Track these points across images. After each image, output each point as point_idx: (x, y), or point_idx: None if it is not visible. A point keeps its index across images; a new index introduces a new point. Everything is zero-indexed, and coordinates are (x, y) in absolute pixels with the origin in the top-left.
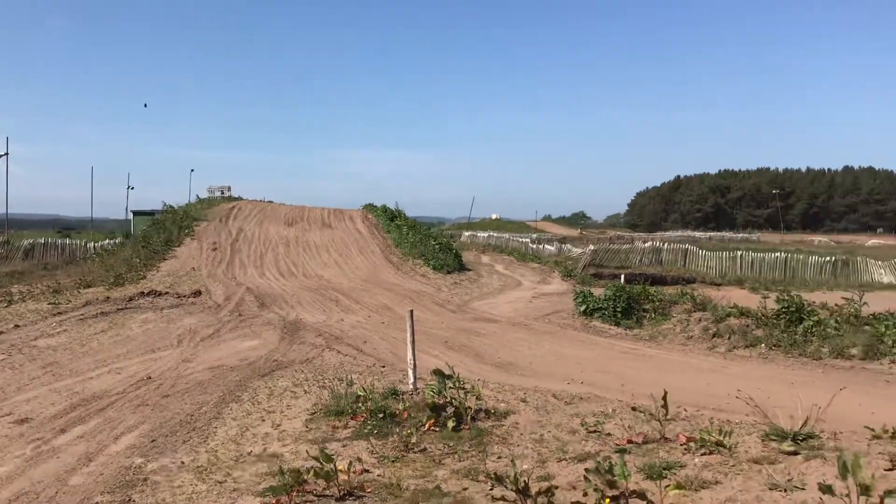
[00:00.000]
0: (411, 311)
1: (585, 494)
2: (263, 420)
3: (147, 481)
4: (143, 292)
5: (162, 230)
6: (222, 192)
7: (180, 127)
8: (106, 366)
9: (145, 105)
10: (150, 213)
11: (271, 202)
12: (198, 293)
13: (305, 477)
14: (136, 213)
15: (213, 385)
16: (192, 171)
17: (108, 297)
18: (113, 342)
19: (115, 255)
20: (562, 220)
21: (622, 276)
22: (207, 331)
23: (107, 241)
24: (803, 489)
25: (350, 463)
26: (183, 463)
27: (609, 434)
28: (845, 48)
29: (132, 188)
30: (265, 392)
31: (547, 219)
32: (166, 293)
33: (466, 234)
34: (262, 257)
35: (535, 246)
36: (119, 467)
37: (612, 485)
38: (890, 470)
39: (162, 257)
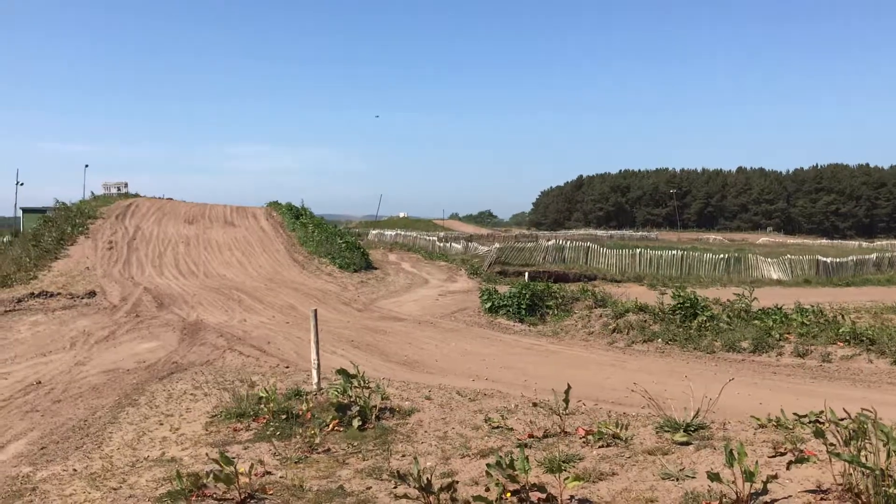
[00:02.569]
0: (315, 311)
1: (487, 489)
2: (161, 424)
3: (36, 490)
4: (33, 293)
5: (54, 228)
6: (119, 189)
7: (73, 121)
8: None
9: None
10: (42, 211)
11: (171, 199)
12: (92, 294)
13: (205, 481)
14: (25, 211)
15: (108, 389)
16: (87, 166)
17: None
18: None
19: (2, 254)
20: (469, 219)
21: (526, 274)
22: (102, 333)
23: None
24: (694, 478)
25: (251, 465)
26: (75, 470)
27: (511, 429)
28: (738, 55)
29: (21, 184)
30: (163, 395)
31: (454, 217)
32: (58, 294)
33: (373, 232)
34: (160, 256)
35: (442, 244)
36: (5, 477)
37: (513, 479)
38: (773, 457)
39: (54, 256)
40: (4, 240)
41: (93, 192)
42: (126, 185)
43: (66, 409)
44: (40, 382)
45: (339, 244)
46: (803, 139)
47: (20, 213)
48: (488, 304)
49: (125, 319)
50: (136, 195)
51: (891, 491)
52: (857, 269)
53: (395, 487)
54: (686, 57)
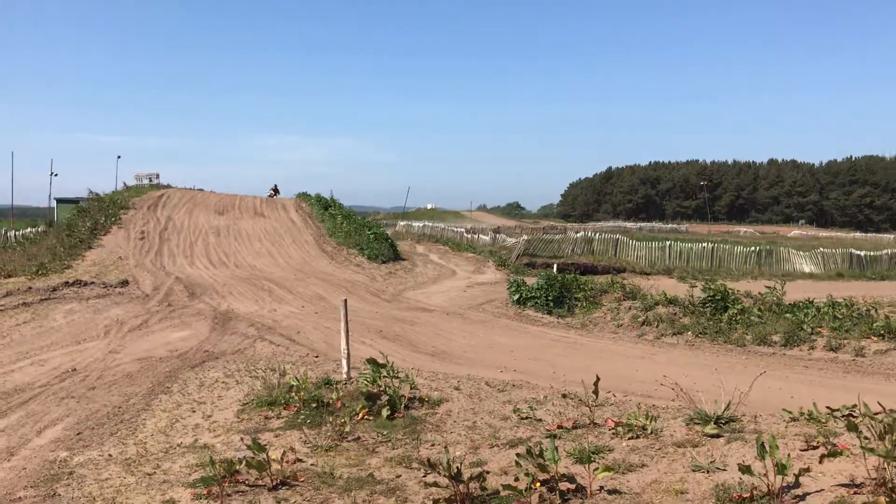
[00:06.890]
0: (345, 301)
1: (517, 479)
2: (194, 411)
3: (73, 475)
4: (67, 282)
5: (87, 218)
6: (150, 180)
7: (106, 114)
8: (28, 357)
9: None
10: (75, 201)
11: (201, 190)
12: (125, 283)
13: (238, 467)
14: (59, 201)
15: (141, 376)
16: (119, 157)
17: (30, 287)
18: (36, 333)
19: (37, 244)
20: (496, 210)
21: (555, 266)
22: (135, 321)
23: (29, 229)
24: (725, 470)
25: (283, 452)
26: (110, 455)
27: (540, 420)
28: (772, 48)
29: (55, 175)
30: (196, 383)
31: (482, 209)
32: (92, 283)
33: (402, 223)
34: (192, 246)
35: (469, 236)
36: (43, 461)
37: (542, 469)
38: (805, 450)
39: (87, 246)
40: (39, 229)
41: (125, 183)
42: (157, 175)
43: (100, 395)
44: (75, 369)
45: (367, 235)
46: (837, 130)
47: (54, 204)
48: (516, 296)
49: (157, 308)
50: (168, 186)
51: None
52: (891, 262)
53: (424, 476)
54: (717, 47)
